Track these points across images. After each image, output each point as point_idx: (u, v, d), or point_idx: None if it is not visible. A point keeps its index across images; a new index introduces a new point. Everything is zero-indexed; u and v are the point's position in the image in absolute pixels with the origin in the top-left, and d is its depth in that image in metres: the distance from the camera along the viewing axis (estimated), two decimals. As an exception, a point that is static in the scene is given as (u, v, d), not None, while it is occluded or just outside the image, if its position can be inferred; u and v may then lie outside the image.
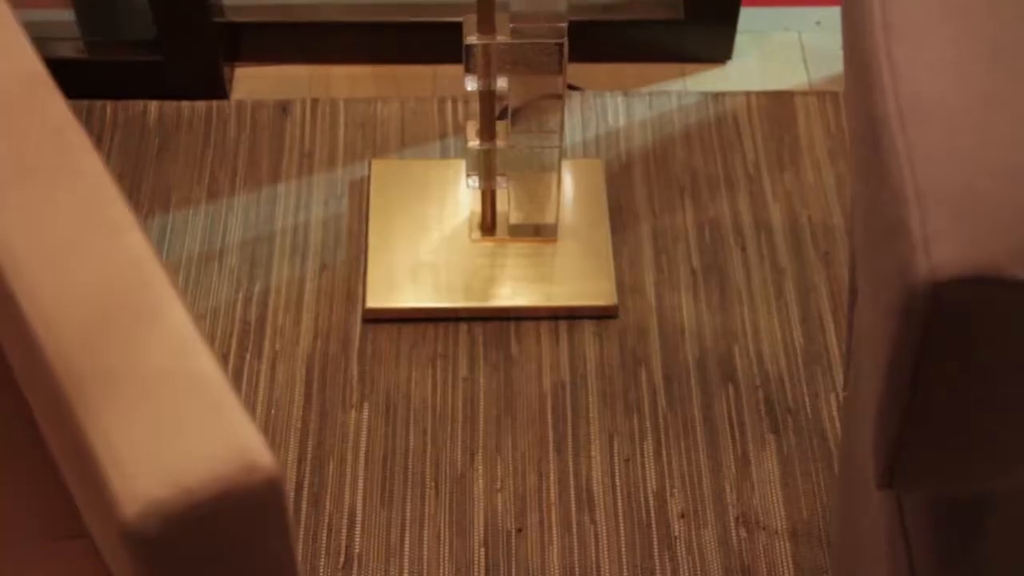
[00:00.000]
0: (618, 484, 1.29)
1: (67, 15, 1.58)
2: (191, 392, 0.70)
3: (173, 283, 0.73)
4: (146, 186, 1.51)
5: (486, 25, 1.25)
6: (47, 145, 0.71)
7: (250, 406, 1.33)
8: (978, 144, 0.64)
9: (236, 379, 1.36)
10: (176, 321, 0.72)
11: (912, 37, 0.66)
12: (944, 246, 0.62)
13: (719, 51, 1.64)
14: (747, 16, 1.62)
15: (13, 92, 0.72)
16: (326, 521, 1.27)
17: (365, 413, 1.34)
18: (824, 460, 1.31)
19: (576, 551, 1.25)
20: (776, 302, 1.42)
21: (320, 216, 1.49)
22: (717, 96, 1.59)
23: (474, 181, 1.38)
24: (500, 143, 1.35)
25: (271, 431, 1.32)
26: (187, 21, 1.53)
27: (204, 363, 0.70)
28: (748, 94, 1.59)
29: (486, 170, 1.37)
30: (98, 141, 1.54)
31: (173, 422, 0.69)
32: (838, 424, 1.33)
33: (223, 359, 1.37)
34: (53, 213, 0.73)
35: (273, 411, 1.34)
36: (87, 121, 1.57)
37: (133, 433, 0.68)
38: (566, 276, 1.42)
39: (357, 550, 1.25)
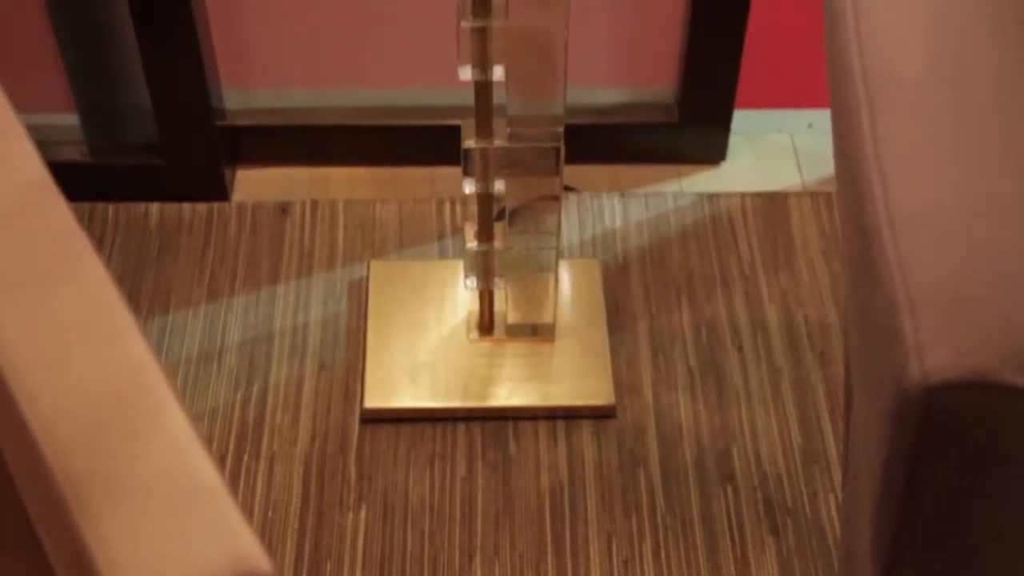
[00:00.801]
0: (617, 586, 1.28)
1: (71, 119, 1.60)
2: (189, 497, 0.70)
3: (172, 387, 0.73)
4: (146, 287, 1.52)
5: (484, 129, 1.27)
6: (51, 252, 0.72)
7: (248, 507, 1.33)
8: (968, 252, 0.65)
9: (234, 480, 1.36)
10: (175, 425, 0.72)
11: (901, 147, 0.68)
12: (937, 352, 0.63)
13: (713, 153, 1.66)
14: (740, 118, 1.64)
15: (20, 200, 0.73)
16: (323, 624, 1.26)
17: (363, 514, 1.33)
18: (824, 560, 1.30)
19: (575, 655, 1.24)
20: (773, 402, 1.42)
21: (319, 316, 1.50)
22: (712, 197, 1.61)
23: (472, 282, 1.39)
24: (498, 244, 1.36)
25: (268, 532, 1.32)
26: (190, 125, 1.55)
27: (202, 467, 0.71)
28: (743, 195, 1.61)
29: (484, 271, 1.38)
30: (100, 243, 1.55)
31: (171, 527, 0.69)
32: (837, 524, 1.33)
33: (221, 460, 1.37)
34: (55, 318, 0.73)
35: (270, 512, 1.33)
36: (89, 223, 1.59)
37: (130, 538, 0.69)
38: (564, 376, 1.43)
39: (354, 654, 1.24)
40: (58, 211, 0.73)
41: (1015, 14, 0.73)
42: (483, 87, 1.23)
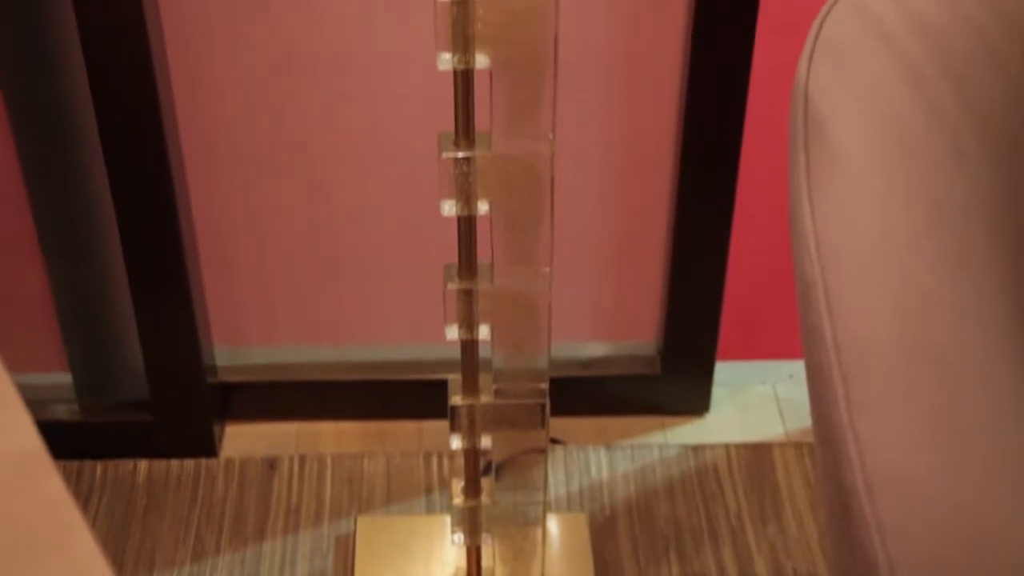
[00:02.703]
0: None
1: (63, 377, 1.63)
2: None
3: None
4: (131, 546, 1.51)
5: (470, 386, 1.29)
6: (40, 522, 0.72)
7: None
8: (946, 514, 0.66)
9: None
10: None
11: (875, 411, 0.70)
12: (919, 615, 0.63)
13: (697, 404, 1.68)
14: (722, 370, 1.67)
15: (10, 471, 0.74)
16: None
17: None
18: None
19: None
20: (766, 657, 1.40)
21: (306, 573, 1.48)
22: (697, 449, 1.63)
23: (459, 538, 1.39)
24: (485, 499, 1.37)
25: None
26: (181, 383, 1.57)
27: None
28: (727, 446, 1.63)
29: (471, 527, 1.38)
30: (86, 503, 1.55)
31: None
32: None
33: None
34: (42, 588, 0.73)
35: None
36: (77, 482, 1.59)
37: None
38: (553, 633, 1.41)
39: None
40: (50, 481, 0.74)
41: (970, 274, 0.76)
42: (469, 346, 1.26)
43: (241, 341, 1.64)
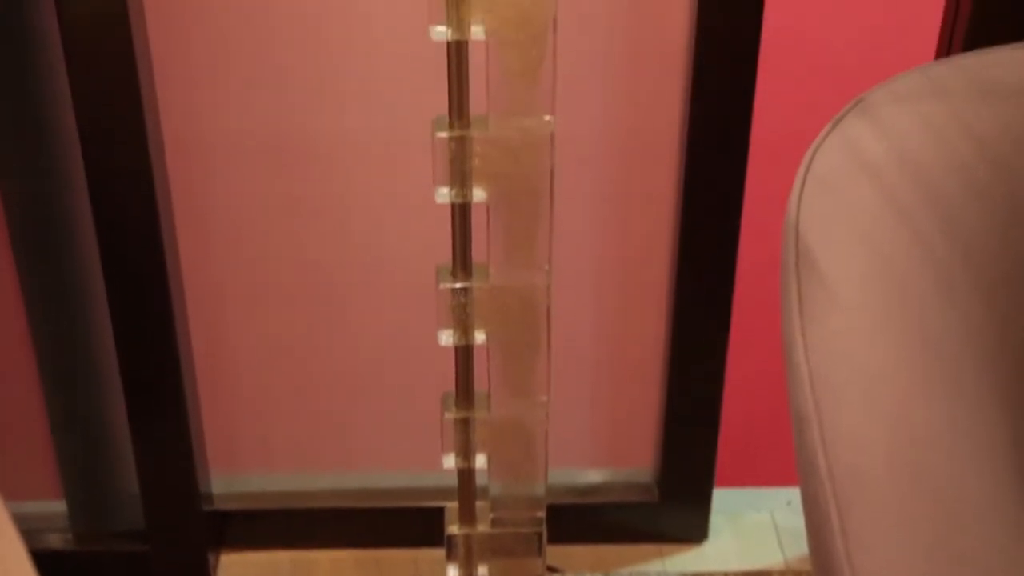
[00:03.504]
0: None
1: (58, 506, 1.62)
2: None
3: None
4: None
5: (467, 515, 1.29)
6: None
7: None
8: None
9: None
10: None
11: (870, 543, 0.70)
12: None
13: (695, 532, 1.68)
14: (720, 497, 1.67)
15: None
16: None
17: None
18: None
19: None
20: None
21: None
22: (695, 577, 1.62)
23: (456, 669, 1.37)
24: (482, 630, 1.35)
25: None
26: (177, 512, 1.56)
27: None
28: (726, 574, 1.62)
29: (468, 658, 1.36)
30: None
31: None
32: None
33: None
34: None
35: None
36: (69, 612, 1.57)
37: None
38: None
39: None
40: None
41: (963, 405, 0.77)
42: (466, 474, 1.26)
43: (237, 468, 1.64)
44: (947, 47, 1.34)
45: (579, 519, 1.66)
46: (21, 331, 1.50)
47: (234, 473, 1.65)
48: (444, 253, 1.10)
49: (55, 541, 1.62)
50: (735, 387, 1.58)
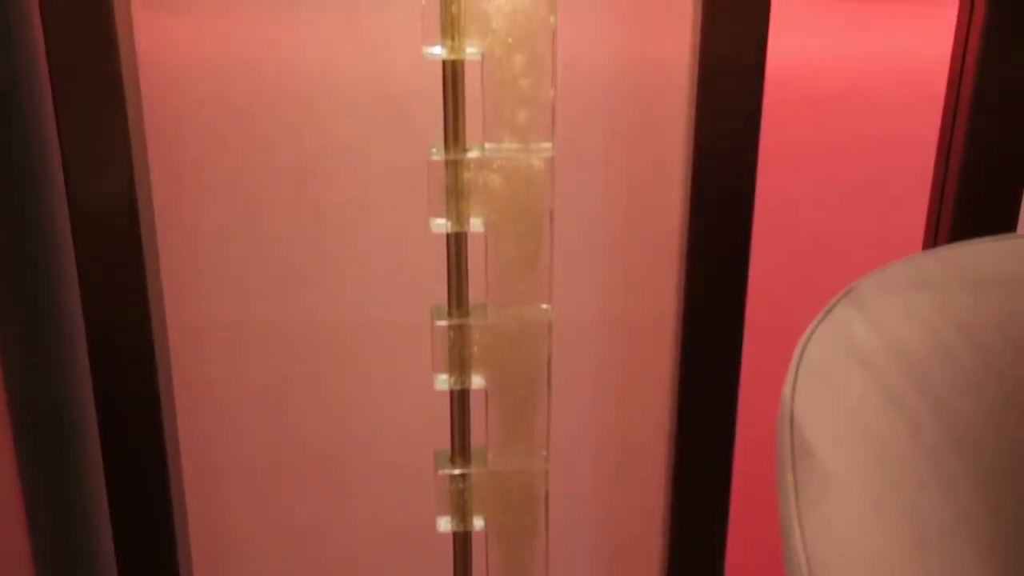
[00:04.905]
0: None
1: None
2: None
3: None
4: None
5: None
6: None
7: None
8: None
9: None
10: None
11: None
12: None
13: None
14: None
15: None
16: None
17: None
18: None
19: None
20: None
21: None
22: None
23: None
24: None
25: None
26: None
27: None
28: None
29: None
30: None
31: None
32: None
33: None
34: None
35: None
36: None
37: None
38: None
39: None
40: None
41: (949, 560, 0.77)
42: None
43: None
44: (933, 237, 1.38)
45: None
46: (19, 526, 1.50)
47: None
48: (443, 437, 1.11)
49: None
50: (735, 568, 1.57)
